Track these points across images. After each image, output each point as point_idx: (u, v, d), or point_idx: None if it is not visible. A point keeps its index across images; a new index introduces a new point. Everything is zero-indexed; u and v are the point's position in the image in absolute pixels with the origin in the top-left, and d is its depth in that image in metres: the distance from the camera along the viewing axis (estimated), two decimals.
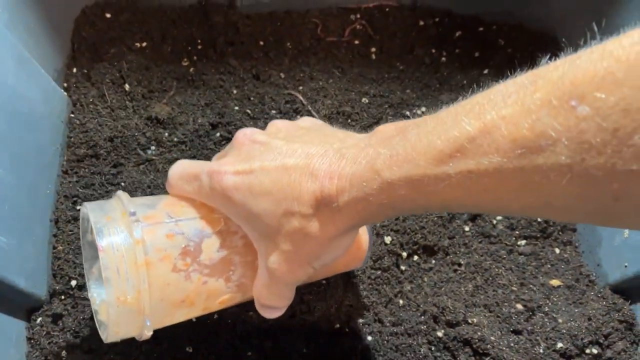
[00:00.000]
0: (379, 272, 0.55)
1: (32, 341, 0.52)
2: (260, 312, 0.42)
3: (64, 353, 0.52)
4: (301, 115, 0.63)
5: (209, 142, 0.61)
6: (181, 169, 0.43)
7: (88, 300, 0.54)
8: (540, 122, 0.24)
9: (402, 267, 0.56)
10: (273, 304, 0.41)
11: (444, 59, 0.67)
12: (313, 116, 0.62)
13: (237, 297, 0.43)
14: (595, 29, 0.63)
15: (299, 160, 0.35)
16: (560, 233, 0.60)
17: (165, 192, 0.45)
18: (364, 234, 0.47)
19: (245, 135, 0.40)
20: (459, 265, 0.57)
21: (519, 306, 0.55)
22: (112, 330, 0.39)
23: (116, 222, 0.39)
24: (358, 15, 0.68)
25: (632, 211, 0.24)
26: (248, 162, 0.37)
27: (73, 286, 0.54)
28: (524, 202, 0.27)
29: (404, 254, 0.57)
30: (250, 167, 0.37)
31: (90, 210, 0.40)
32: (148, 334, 0.40)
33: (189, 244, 0.40)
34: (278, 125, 0.42)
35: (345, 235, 0.37)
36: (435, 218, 0.58)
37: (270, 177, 0.36)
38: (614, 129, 0.22)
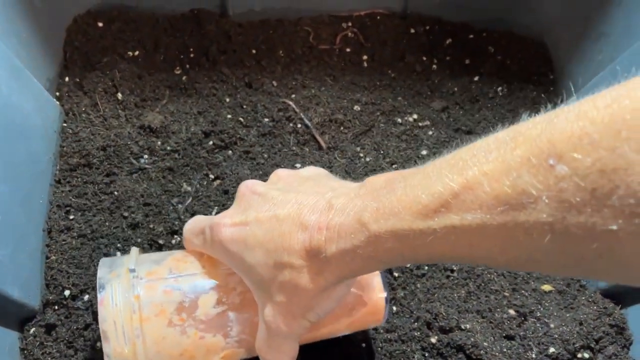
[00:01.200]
0: None
1: (25, 352, 0.52)
2: None
3: None
4: (294, 124, 0.63)
5: (201, 150, 0.61)
6: (192, 223, 0.44)
7: (81, 310, 0.54)
8: (521, 179, 0.24)
9: (395, 274, 0.57)
10: (273, 359, 0.41)
11: (434, 66, 0.68)
12: (305, 124, 0.63)
13: (240, 352, 0.43)
14: (582, 35, 0.64)
15: (291, 211, 0.36)
16: None
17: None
18: (379, 291, 0.45)
19: (247, 187, 0.40)
20: (452, 271, 0.57)
21: (512, 312, 0.55)
22: None
23: (119, 279, 0.41)
24: (349, 23, 0.69)
25: (615, 267, 0.24)
26: (245, 214, 0.38)
27: (66, 296, 0.54)
28: (509, 256, 0.27)
29: None
30: (246, 218, 0.38)
31: (100, 265, 0.43)
32: None
33: (184, 299, 0.41)
34: (279, 174, 0.42)
35: (336, 287, 0.36)
36: None
37: (263, 228, 0.36)
38: (592, 189, 0.22)
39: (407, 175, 0.31)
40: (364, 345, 0.53)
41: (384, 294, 0.45)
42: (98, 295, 0.41)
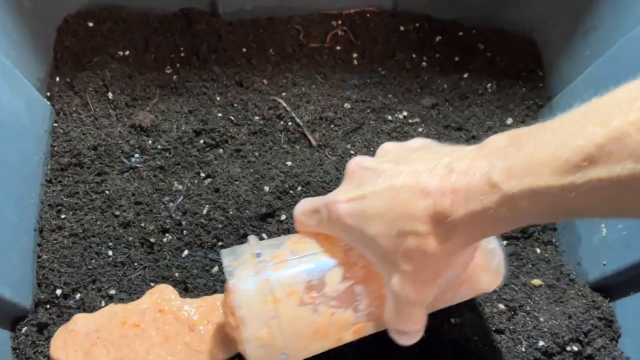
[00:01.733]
0: None
1: (17, 351, 0.52)
2: (395, 339, 0.42)
3: None
4: (284, 122, 0.63)
5: (192, 149, 0.61)
6: (302, 206, 0.45)
7: (73, 308, 0.54)
8: None
9: None
10: (405, 329, 0.41)
11: (424, 63, 0.68)
12: (296, 122, 0.63)
13: (369, 326, 0.44)
14: (571, 31, 0.64)
15: (407, 179, 0.35)
16: (540, 233, 0.61)
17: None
18: (497, 253, 0.45)
19: (357, 164, 0.41)
20: None
21: (501, 306, 0.56)
22: None
23: (246, 265, 0.42)
24: (339, 22, 0.69)
25: None
26: (359, 188, 0.38)
27: (58, 295, 0.54)
28: None
29: None
30: (362, 192, 0.38)
31: (223, 255, 0.44)
32: None
33: (312, 278, 0.42)
34: (387, 148, 0.42)
35: (464, 251, 0.36)
36: None
37: (381, 199, 0.36)
38: None
39: (533, 133, 0.31)
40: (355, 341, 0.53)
41: (502, 256, 0.45)
42: (229, 283, 0.41)
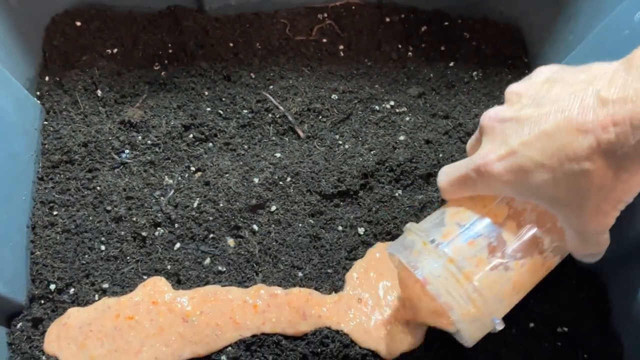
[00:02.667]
0: (353, 263, 0.56)
1: (13, 346, 0.53)
2: (582, 260, 0.43)
3: (44, 357, 0.52)
4: (272, 114, 0.64)
5: (182, 143, 0.62)
6: (446, 176, 0.44)
7: (67, 303, 0.55)
8: None
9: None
10: (592, 252, 0.41)
11: (410, 53, 0.69)
12: (284, 115, 0.64)
13: (557, 259, 0.45)
14: (554, 17, 0.65)
15: (558, 121, 0.34)
16: None
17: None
18: None
19: (491, 118, 0.39)
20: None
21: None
22: (471, 339, 0.45)
23: (423, 254, 0.43)
24: (325, 14, 0.69)
25: None
26: (506, 144, 0.37)
27: (52, 290, 0.55)
28: None
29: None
30: (511, 148, 0.37)
31: (396, 252, 0.45)
32: (499, 327, 0.44)
33: (490, 241, 0.42)
34: (516, 90, 0.40)
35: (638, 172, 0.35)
36: (407, 208, 0.60)
37: (535, 149, 0.35)
38: None
39: None
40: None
41: None
42: (419, 277, 0.42)
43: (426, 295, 0.45)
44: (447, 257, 0.42)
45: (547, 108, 0.35)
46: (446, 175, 0.44)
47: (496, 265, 0.42)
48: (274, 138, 0.63)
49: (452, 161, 0.62)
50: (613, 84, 0.33)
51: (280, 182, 0.60)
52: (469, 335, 0.44)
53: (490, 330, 0.44)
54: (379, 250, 0.57)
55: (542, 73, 0.41)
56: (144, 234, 0.57)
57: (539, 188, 0.37)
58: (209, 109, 0.64)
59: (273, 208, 0.59)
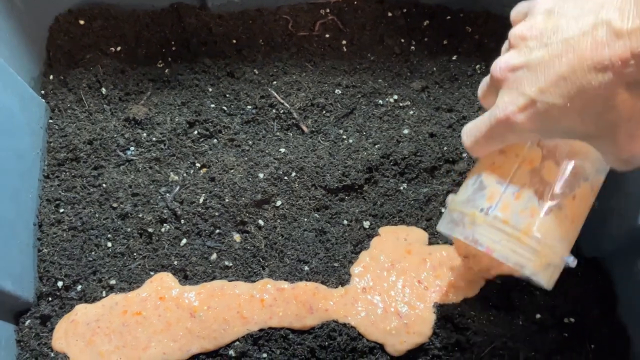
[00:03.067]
0: (359, 257, 0.57)
1: (21, 343, 0.53)
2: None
3: (53, 354, 0.53)
4: (276, 110, 0.64)
5: (187, 140, 0.62)
6: (470, 136, 0.43)
7: (75, 300, 0.55)
8: None
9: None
10: (634, 168, 0.39)
11: (413, 47, 0.69)
12: (288, 111, 0.64)
13: (602, 177, 0.45)
14: None
15: (571, 62, 0.33)
16: None
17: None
18: None
19: (502, 69, 0.38)
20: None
21: (498, 281, 0.56)
22: (550, 284, 0.44)
23: (477, 225, 0.43)
24: (327, 10, 0.70)
25: None
26: (524, 94, 0.36)
27: (60, 287, 0.55)
28: None
29: None
30: (530, 97, 0.36)
31: (449, 231, 0.45)
32: (573, 264, 0.44)
33: (536, 187, 0.43)
34: (519, 34, 0.38)
35: None
36: (412, 201, 0.60)
37: (555, 95, 0.34)
38: None
39: None
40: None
41: None
42: (482, 250, 0.43)
43: (494, 261, 0.47)
44: (501, 219, 0.42)
45: (557, 49, 0.34)
46: (470, 134, 0.43)
47: (550, 208, 0.43)
48: (278, 133, 0.63)
49: (457, 155, 0.62)
50: (624, 13, 0.31)
51: (285, 177, 0.60)
52: (547, 281, 0.44)
53: (566, 267, 0.45)
54: (383, 238, 0.57)
55: (541, 5, 0.39)
56: (150, 230, 0.57)
57: (568, 129, 0.36)
58: (213, 105, 0.64)
59: (278, 203, 0.59)
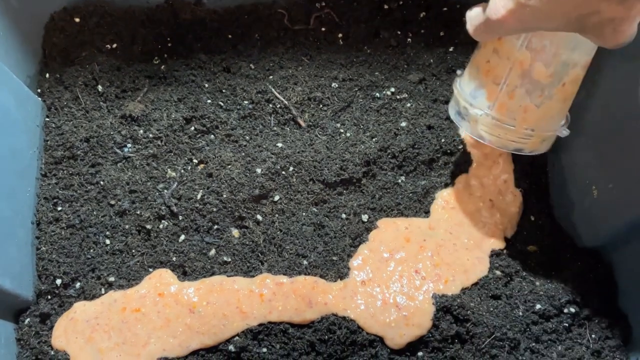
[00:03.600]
0: (357, 250, 0.56)
1: (21, 342, 0.53)
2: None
3: (53, 352, 0.53)
4: (273, 105, 0.64)
5: (183, 136, 0.62)
6: (470, 24, 0.48)
7: (74, 297, 0.55)
8: None
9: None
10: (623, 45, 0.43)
11: (409, 39, 0.69)
12: (285, 105, 0.63)
13: (590, 57, 0.50)
14: None
15: None
16: (534, 200, 0.62)
17: None
18: None
19: None
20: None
21: (497, 272, 0.56)
22: (546, 149, 0.54)
23: (480, 124, 0.52)
24: (323, 3, 0.69)
25: None
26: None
27: (58, 285, 0.55)
28: None
29: None
30: (519, 1, 0.40)
31: (457, 122, 0.55)
32: (565, 133, 0.53)
33: (527, 87, 0.49)
34: None
35: None
36: (411, 194, 0.60)
37: (542, 1, 0.38)
38: None
39: None
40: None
41: None
42: (485, 142, 0.53)
43: None
44: (498, 118, 0.51)
45: None
46: (470, 22, 0.48)
47: (541, 102, 0.50)
48: (275, 128, 0.63)
49: (454, 147, 0.62)
50: None
51: (283, 172, 0.60)
52: (544, 150, 0.54)
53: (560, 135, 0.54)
54: (382, 230, 0.57)
55: None
56: (148, 227, 0.57)
57: (555, 29, 0.41)
58: (209, 101, 0.64)
59: (276, 198, 0.59)
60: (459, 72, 0.52)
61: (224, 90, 0.65)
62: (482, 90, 0.51)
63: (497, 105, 0.51)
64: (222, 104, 0.64)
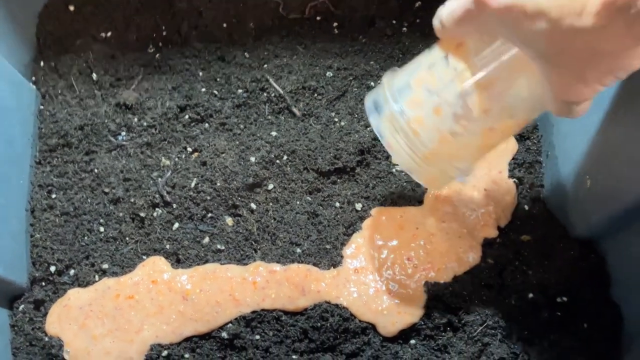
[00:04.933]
0: (351, 239, 0.57)
1: (15, 328, 0.54)
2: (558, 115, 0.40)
3: (47, 338, 0.53)
4: (268, 93, 0.64)
5: (178, 124, 0.62)
6: (449, 10, 0.40)
7: (68, 284, 0.55)
8: None
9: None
10: (565, 116, 0.39)
11: (405, 29, 0.68)
12: (279, 94, 0.63)
13: (531, 117, 0.45)
14: None
15: None
16: (528, 190, 0.62)
17: None
18: None
19: None
20: None
21: (490, 261, 0.56)
22: (432, 186, 0.53)
23: (391, 124, 0.44)
24: None
25: None
26: None
27: (52, 272, 0.55)
28: None
29: None
30: None
31: (367, 109, 0.47)
32: (463, 180, 0.47)
33: (456, 111, 0.42)
34: None
35: None
36: (405, 183, 0.60)
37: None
38: None
39: None
40: None
41: None
42: (383, 142, 0.45)
43: None
44: (412, 130, 0.43)
45: None
46: (449, 9, 0.41)
47: (461, 134, 0.43)
48: (269, 117, 0.63)
49: None
50: None
51: (277, 161, 0.60)
52: (432, 187, 0.51)
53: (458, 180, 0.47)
54: (376, 218, 0.57)
55: None
56: (142, 214, 0.57)
57: (533, 36, 0.34)
58: (204, 89, 0.64)
59: (270, 186, 0.59)
60: (391, 71, 0.46)
61: (218, 79, 0.65)
62: (409, 91, 0.44)
63: (417, 117, 0.43)
64: (216, 92, 0.64)
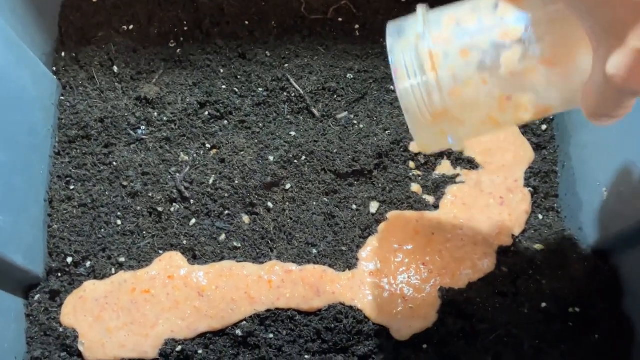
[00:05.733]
0: (367, 241, 0.57)
1: (30, 317, 0.54)
2: (590, 119, 0.35)
3: (62, 328, 0.53)
4: (288, 93, 0.64)
5: (197, 120, 0.62)
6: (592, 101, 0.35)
7: (84, 276, 0.55)
8: None
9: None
10: (606, 113, 0.34)
11: None
12: (299, 94, 0.64)
13: (551, 107, 0.40)
14: None
15: None
16: (543, 200, 0.62)
17: None
18: None
19: None
20: None
21: (504, 269, 0.57)
22: (421, 146, 0.43)
23: (409, 47, 0.39)
24: None
25: None
26: None
27: (69, 263, 0.56)
28: None
29: None
30: None
31: (390, 32, 0.41)
32: (454, 146, 0.42)
33: (485, 60, 0.38)
34: None
35: None
36: (421, 188, 0.60)
37: None
38: None
39: None
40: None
41: None
42: (391, 64, 0.39)
43: None
44: (431, 64, 0.38)
45: None
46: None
47: (477, 84, 0.38)
48: (289, 117, 0.63)
49: None
50: None
51: (295, 161, 0.60)
52: (426, 149, 0.43)
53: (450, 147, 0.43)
54: (392, 222, 0.57)
55: None
56: (159, 209, 0.58)
57: (601, 3, 0.30)
58: (224, 86, 0.64)
59: (288, 186, 0.59)
60: (425, 7, 0.41)
61: (239, 77, 0.65)
62: (441, 27, 0.39)
63: (441, 51, 0.38)
64: (236, 90, 0.64)
